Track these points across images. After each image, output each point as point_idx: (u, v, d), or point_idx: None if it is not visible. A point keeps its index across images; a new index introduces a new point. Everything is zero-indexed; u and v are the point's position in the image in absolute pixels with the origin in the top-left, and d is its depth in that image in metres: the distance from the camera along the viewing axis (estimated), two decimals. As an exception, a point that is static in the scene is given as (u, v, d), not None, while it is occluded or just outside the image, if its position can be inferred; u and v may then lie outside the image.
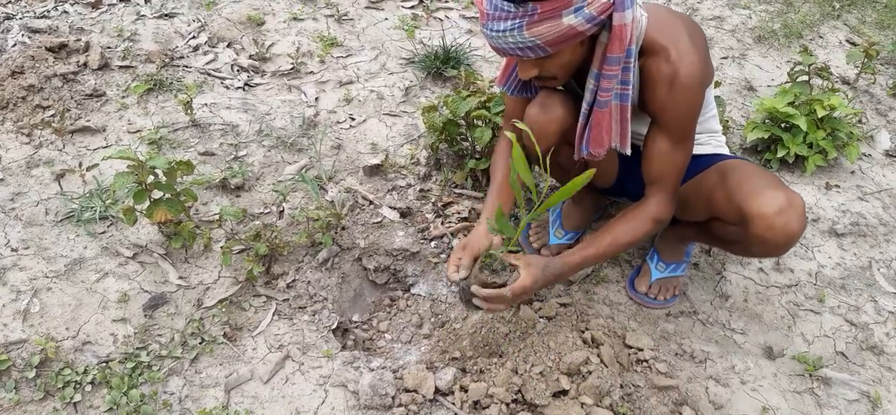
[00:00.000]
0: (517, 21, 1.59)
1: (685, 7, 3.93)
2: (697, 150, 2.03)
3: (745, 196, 1.83)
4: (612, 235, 1.90)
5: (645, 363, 2.07)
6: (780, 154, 2.80)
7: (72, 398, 1.82)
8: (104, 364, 1.91)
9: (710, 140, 2.06)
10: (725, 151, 2.09)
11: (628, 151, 1.87)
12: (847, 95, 3.18)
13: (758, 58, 3.57)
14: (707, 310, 2.30)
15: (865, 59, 3.21)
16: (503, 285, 1.85)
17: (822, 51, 3.67)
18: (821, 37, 3.78)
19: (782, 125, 2.85)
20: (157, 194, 2.12)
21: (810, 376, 2.13)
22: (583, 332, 2.05)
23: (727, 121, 2.96)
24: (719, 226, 2.00)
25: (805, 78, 2.87)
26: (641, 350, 2.09)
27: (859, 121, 3.12)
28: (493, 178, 2.05)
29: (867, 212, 2.70)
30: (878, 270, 2.49)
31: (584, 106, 1.83)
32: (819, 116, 2.76)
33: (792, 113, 2.76)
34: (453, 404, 1.90)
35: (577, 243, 2.39)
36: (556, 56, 1.69)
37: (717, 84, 2.84)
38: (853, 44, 3.74)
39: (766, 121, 2.87)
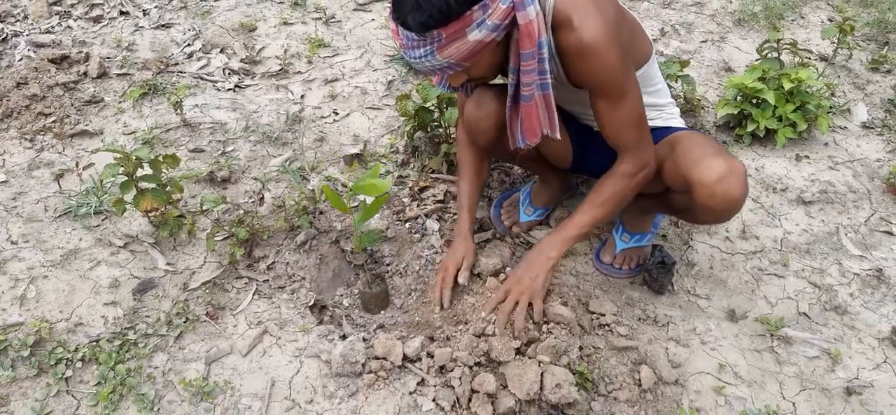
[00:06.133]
0: (427, 48, 1.67)
1: (668, -5, 4.01)
2: None
3: (688, 165, 1.91)
4: (590, 200, 2.00)
5: (606, 327, 2.15)
6: (751, 128, 2.87)
7: (63, 374, 1.95)
8: (94, 343, 2.04)
9: (659, 114, 2.13)
10: (677, 122, 2.16)
11: (558, 136, 1.91)
12: (820, 71, 3.23)
13: (737, 40, 3.64)
14: (673, 278, 2.38)
15: (841, 35, 3.26)
16: None
17: (804, 31, 3.72)
18: (802, 17, 3.84)
19: (752, 101, 2.92)
20: (144, 185, 2.26)
21: (771, 335, 2.20)
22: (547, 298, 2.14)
23: (700, 99, 3.04)
24: (672, 195, 2.09)
25: (774, 54, 2.93)
26: (603, 315, 2.17)
27: (831, 93, 3.17)
28: (461, 177, 2.25)
29: (837, 180, 2.76)
30: (846, 234, 2.54)
31: (508, 100, 1.92)
32: (787, 90, 2.83)
33: (760, 88, 2.83)
34: (421, 369, 2.01)
35: (548, 218, 2.50)
36: (476, 64, 1.77)
37: (685, 64, 2.92)
38: (833, 21, 3.78)
39: (737, 97, 2.94)
